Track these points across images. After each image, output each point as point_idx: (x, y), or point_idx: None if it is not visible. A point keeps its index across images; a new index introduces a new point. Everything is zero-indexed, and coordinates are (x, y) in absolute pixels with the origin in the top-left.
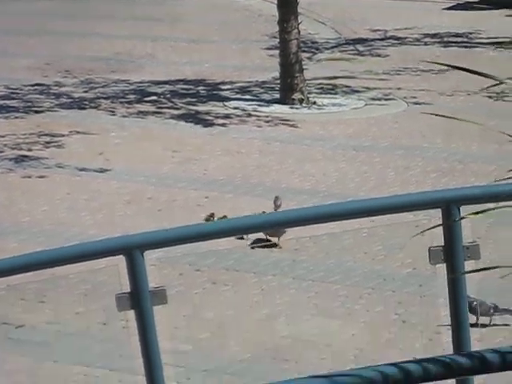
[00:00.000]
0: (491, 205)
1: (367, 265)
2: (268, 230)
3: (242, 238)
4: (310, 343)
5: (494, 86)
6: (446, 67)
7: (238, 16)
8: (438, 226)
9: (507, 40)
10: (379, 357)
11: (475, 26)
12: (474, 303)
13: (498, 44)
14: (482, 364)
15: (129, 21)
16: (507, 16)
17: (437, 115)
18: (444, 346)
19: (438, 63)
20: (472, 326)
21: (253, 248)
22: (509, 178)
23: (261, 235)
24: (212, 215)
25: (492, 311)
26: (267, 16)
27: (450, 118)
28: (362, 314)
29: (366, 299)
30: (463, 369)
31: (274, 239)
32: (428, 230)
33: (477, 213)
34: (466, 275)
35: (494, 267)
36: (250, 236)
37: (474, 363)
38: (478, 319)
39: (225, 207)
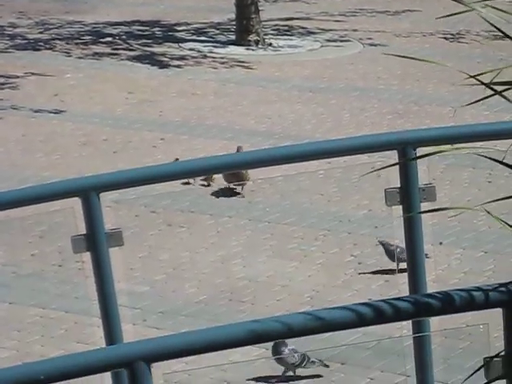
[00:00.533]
0: (447, 146)
1: (323, 206)
2: (224, 171)
3: (208, 185)
4: (265, 285)
5: (465, 12)
6: (401, 8)
7: None
8: (395, 164)
9: None
10: (335, 298)
11: None
12: (398, 250)
13: None
14: (439, 305)
15: None
16: None
17: (397, 56)
18: (400, 288)
19: None
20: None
21: (216, 197)
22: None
23: (224, 184)
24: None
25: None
26: None
27: (408, 58)
28: (318, 256)
29: (321, 241)
30: (419, 310)
31: (238, 188)
32: (385, 168)
33: (431, 154)
34: (422, 218)
35: (448, 208)
36: (214, 185)
37: (430, 304)
38: (398, 265)
39: (180, 149)
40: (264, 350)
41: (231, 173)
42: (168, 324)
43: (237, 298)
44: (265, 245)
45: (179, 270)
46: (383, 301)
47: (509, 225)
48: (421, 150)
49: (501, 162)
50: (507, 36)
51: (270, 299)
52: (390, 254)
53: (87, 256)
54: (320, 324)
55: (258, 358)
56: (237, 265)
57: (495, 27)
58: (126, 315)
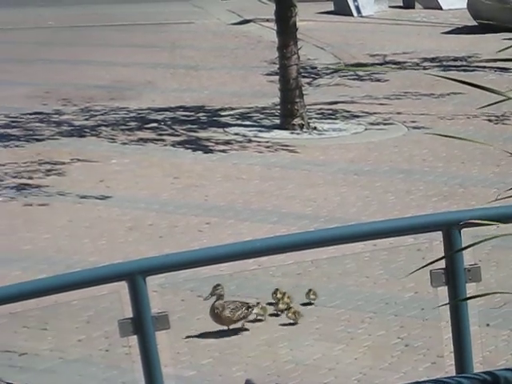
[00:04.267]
0: (492, 227)
1: (369, 289)
2: (270, 254)
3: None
4: (312, 367)
5: (502, 101)
6: (446, 91)
7: (237, 42)
8: (442, 258)
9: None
10: (382, 381)
11: (474, 50)
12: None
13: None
14: None
15: (126, 48)
16: (504, 39)
17: (440, 135)
18: (447, 369)
19: (448, 78)
20: None
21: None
22: (509, 197)
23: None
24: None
25: None
26: (266, 42)
27: (452, 137)
28: (365, 338)
29: (368, 323)
30: None
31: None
32: (433, 262)
33: (478, 242)
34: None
35: (494, 293)
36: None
37: None
38: None
39: (226, 233)
40: None
41: (213, 316)
42: None
43: (284, 380)
44: (311, 328)
45: (225, 353)
46: (431, 381)
47: None
48: (466, 231)
49: None
50: None
51: (316, 382)
52: None
53: (134, 340)
54: None
55: None
56: (283, 348)
57: None
58: None
